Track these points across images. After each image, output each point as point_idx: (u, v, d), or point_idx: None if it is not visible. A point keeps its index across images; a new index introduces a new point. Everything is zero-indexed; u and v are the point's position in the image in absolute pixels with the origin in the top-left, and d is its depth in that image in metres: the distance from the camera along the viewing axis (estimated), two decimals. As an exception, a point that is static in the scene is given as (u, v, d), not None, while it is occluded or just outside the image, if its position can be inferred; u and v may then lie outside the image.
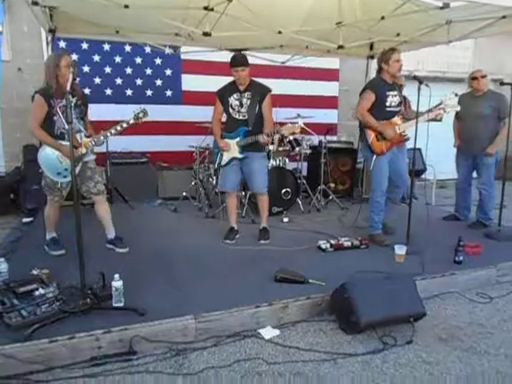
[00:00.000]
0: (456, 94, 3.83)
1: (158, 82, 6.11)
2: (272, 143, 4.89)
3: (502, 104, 4.11)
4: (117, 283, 2.50)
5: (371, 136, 3.63)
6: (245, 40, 4.84)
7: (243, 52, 4.34)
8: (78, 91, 3.21)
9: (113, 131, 3.19)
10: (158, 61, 6.04)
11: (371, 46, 5.71)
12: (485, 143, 4.19)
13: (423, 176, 5.70)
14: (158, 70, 6.09)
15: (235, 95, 3.64)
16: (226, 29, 4.03)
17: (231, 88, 3.67)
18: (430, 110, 3.55)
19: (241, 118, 3.63)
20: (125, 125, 3.19)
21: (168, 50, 5.27)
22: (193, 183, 5.25)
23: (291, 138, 5.03)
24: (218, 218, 4.55)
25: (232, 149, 3.69)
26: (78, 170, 3.14)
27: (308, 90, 6.65)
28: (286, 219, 4.60)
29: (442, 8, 3.12)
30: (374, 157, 3.64)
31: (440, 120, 3.67)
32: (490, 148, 4.17)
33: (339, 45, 4.43)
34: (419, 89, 3.22)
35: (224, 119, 3.79)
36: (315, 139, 5.53)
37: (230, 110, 3.67)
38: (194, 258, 3.36)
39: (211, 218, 4.65)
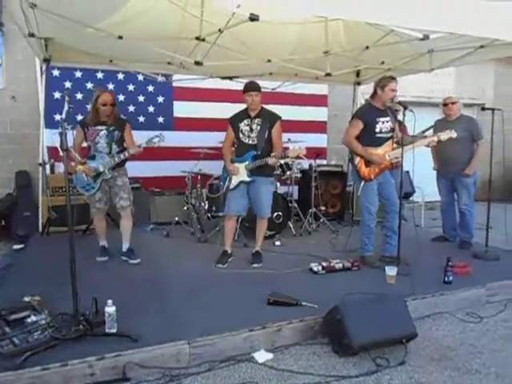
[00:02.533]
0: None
1: (151, 109, 6.22)
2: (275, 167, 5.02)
3: (474, 127, 4.31)
4: (110, 309, 2.50)
5: (359, 162, 3.73)
6: (235, 68, 5.00)
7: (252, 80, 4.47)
8: (113, 119, 3.80)
9: (122, 156, 3.73)
10: (151, 88, 6.17)
11: (357, 73, 5.94)
12: (462, 165, 4.33)
13: (412, 198, 5.82)
14: (150, 97, 6.21)
15: (246, 121, 3.78)
16: (216, 58, 4.17)
17: (242, 114, 3.81)
18: (424, 136, 3.69)
19: (250, 142, 3.74)
20: (135, 150, 3.71)
21: (160, 78, 5.40)
22: (185, 208, 5.28)
23: (282, 162, 5.13)
24: (211, 243, 4.57)
25: (241, 172, 3.78)
26: (97, 186, 3.78)
27: (298, 115, 6.79)
28: (278, 242, 4.64)
29: (422, 39, 3.29)
30: (362, 182, 3.73)
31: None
32: (468, 169, 4.31)
33: (327, 72, 4.60)
34: (404, 114, 3.36)
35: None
36: (305, 163, 5.64)
37: (240, 135, 3.79)
38: (187, 282, 3.37)
39: (203, 242, 4.66)
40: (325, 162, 6.79)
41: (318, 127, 7.08)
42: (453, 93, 7.57)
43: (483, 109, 4.11)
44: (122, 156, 3.73)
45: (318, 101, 7.02)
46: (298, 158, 4.95)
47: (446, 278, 3.31)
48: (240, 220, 4.70)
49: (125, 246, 3.98)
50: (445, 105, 4.42)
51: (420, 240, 4.23)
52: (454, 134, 3.67)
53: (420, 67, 4.74)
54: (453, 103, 4.39)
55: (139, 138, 3.85)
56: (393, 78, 3.63)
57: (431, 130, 4.42)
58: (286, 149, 3.62)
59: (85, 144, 3.85)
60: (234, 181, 3.81)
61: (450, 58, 4.43)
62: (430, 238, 4.80)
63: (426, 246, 4.43)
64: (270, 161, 3.60)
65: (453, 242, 4.61)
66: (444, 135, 3.68)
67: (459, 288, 3.24)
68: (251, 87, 3.69)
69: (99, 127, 3.79)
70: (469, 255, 4.09)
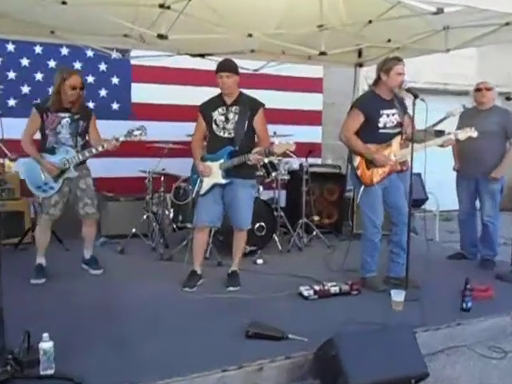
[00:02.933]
0: (464, 106, 4.07)
1: (103, 93, 6.17)
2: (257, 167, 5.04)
3: (509, 121, 4.39)
4: (46, 345, 2.47)
5: (359, 162, 3.78)
6: (208, 43, 5.00)
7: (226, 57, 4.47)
8: (79, 106, 3.86)
9: (93, 150, 3.83)
10: (103, 67, 6.13)
11: (359, 53, 6.01)
12: (489, 166, 4.41)
13: (424, 206, 5.93)
14: (102, 78, 6.16)
15: (220, 109, 3.78)
16: (185, 30, 4.16)
17: (216, 101, 3.82)
18: (440, 133, 3.79)
19: (226, 135, 3.76)
20: (111, 144, 3.83)
21: (115, 55, 5.37)
22: (144, 217, 5.25)
23: (266, 160, 5.16)
24: (176, 261, 4.55)
25: (214, 173, 3.78)
26: (58, 187, 3.82)
27: (286, 102, 6.85)
28: (260, 261, 4.66)
29: (435, 13, 3.36)
30: (362, 187, 3.78)
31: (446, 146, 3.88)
32: (495, 172, 4.39)
33: (321, 51, 4.63)
34: (414, 104, 3.42)
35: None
36: (295, 162, 5.68)
37: (214, 127, 3.79)
38: (146, 310, 3.35)
39: (167, 260, 4.65)
40: (319, 161, 6.85)
41: (311, 118, 7.16)
42: (474, 79, 7.73)
43: (508, 98, 4.22)
44: (93, 150, 3.82)
45: (311, 85, 7.10)
46: (285, 155, 5.03)
47: (464, 305, 3.38)
48: (213, 232, 4.70)
49: (88, 254, 4.21)
50: (478, 90, 4.52)
51: (433, 258, 4.31)
52: (474, 133, 3.76)
53: (434, 47, 4.83)
54: (487, 89, 4.47)
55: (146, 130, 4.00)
56: (399, 60, 3.70)
57: (451, 126, 4.49)
58: (271, 144, 3.65)
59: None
60: (206, 184, 3.81)
61: (469, 37, 4.53)
62: (446, 255, 4.89)
63: (440, 265, 4.51)
64: (251, 158, 3.61)
65: (472, 259, 4.71)
66: (462, 134, 3.77)
67: (479, 316, 3.31)
68: (223, 67, 3.72)
69: (61, 114, 3.82)
70: (491, 276, 4.18)
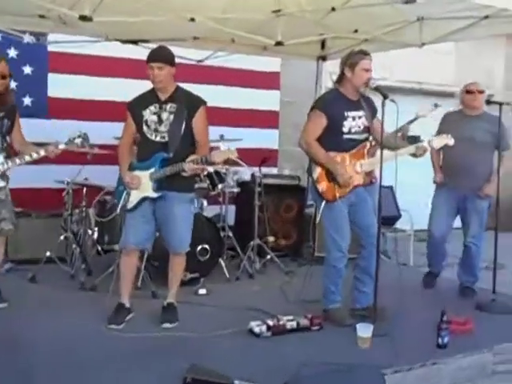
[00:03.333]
0: (436, 105, 4.20)
1: (11, 85, 5.98)
2: (199, 177, 4.98)
3: (502, 130, 4.53)
4: None
5: (319, 174, 3.81)
6: (143, 28, 4.98)
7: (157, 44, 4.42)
8: (3, 99, 3.85)
9: (27, 157, 3.83)
10: (13, 53, 5.97)
11: (322, 44, 6.16)
12: (479, 180, 4.57)
13: (396, 225, 6.06)
14: (10, 67, 5.95)
15: (153, 107, 3.72)
16: (114, 12, 4.15)
17: (148, 98, 3.76)
18: (414, 139, 3.88)
19: (158, 139, 3.70)
20: (50, 150, 3.82)
21: (28, 38, 5.25)
22: (62, 238, 5.12)
23: (211, 170, 5.14)
24: (100, 291, 4.44)
25: (143, 185, 3.70)
26: None
27: (236, 100, 6.92)
28: (202, 290, 4.62)
29: (406, 2, 3.48)
30: (323, 203, 3.81)
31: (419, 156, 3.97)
32: (489, 187, 4.56)
33: (277, 40, 4.71)
34: (383, 105, 3.49)
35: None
36: (246, 172, 5.70)
37: (145, 129, 3.73)
38: (61, 351, 3.25)
39: (90, 290, 4.54)
40: (275, 170, 6.93)
41: (266, 119, 7.24)
42: (452, 78, 8.06)
43: (488, 102, 4.40)
44: (26, 158, 3.82)
45: (266, 81, 7.19)
46: (234, 163, 5.03)
47: (440, 340, 3.44)
48: (146, 256, 4.63)
49: None
50: (469, 92, 4.63)
51: (407, 285, 4.38)
52: (450, 141, 3.88)
53: (407, 40, 5.01)
54: (480, 92, 4.62)
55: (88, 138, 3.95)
56: (365, 54, 3.78)
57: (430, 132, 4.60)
58: (211, 150, 3.63)
59: None
60: (134, 197, 3.74)
61: (446, 31, 4.73)
62: (421, 281, 5.01)
63: (414, 294, 4.61)
64: (186, 168, 3.56)
65: (438, 273, 4.95)
66: (437, 141, 3.88)
67: (458, 353, 3.36)
68: (153, 56, 3.66)
69: None
70: (471, 306, 4.31)
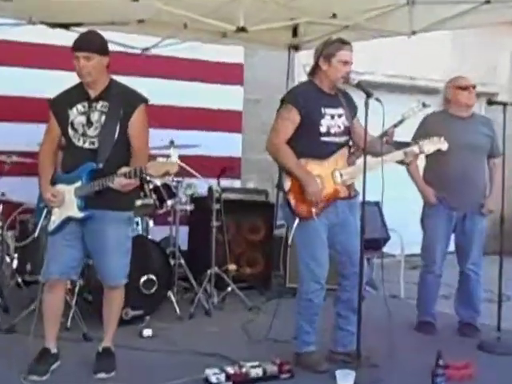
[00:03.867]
0: (424, 105, 4.31)
1: None
2: (143, 191, 5.02)
3: (495, 133, 4.75)
4: None
5: (291, 185, 3.85)
6: (75, 9, 5.01)
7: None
8: None
9: None
10: None
11: (294, 31, 6.24)
12: (481, 194, 4.76)
13: (384, 249, 6.13)
14: None
15: (80, 106, 3.68)
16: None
17: (75, 94, 3.72)
18: (402, 145, 3.95)
19: (87, 146, 3.66)
20: None
21: None
22: (-31, 266, 5.07)
23: (158, 182, 5.16)
24: (20, 333, 4.40)
25: (67, 202, 3.65)
26: None
27: (189, 98, 6.97)
28: (147, 331, 4.62)
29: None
30: (296, 221, 3.86)
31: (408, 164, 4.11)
32: (492, 202, 4.75)
33: (240, 26, 4.79)
34: (366, 105, 3.57)
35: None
36: (202, 185, 5.73)
37: (70, 132, 3.68)
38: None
39: (7, 332, 4.50)
40: (237, 183, 6.98)
41: (226, 121, 7.30)
42: (449, 74, 8.20)
43: (490, 102, 4.55)
44: None
45: (227, 75, 7.26)
46: (187, 174, 5.07)
47: (436, 388, 3.52)
48: (78, 289, 4.61)
49: None
50: (462, 88, 4.73)
51: (397, 322, 4.46)
52: (444, 145, 3.99)
53: (395, 28, 5.14)
54: (474, 87, 4.76)
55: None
56: (344, 43, 3.86)
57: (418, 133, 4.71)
58: (151, 159, 3.53)
59: None
60: (56, 217, 3.69)
61: (441, 17, 4.88)
62: (413, 315, 5.06)
63: (406, 332, 4.71)
64: (115, 182, 3.46)
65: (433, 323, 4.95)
66: (429, 145, 3.94)
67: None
68: (79, 43, 3.64)
69: None
70: (472, 346, 4.41)
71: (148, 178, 3.54)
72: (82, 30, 5.28)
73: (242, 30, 4.77)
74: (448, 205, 4.75)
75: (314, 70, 3.92)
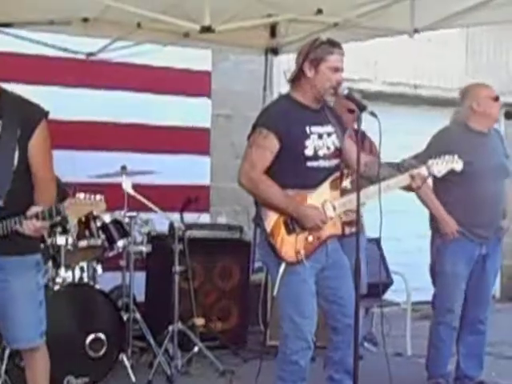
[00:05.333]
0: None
1: None
2: (88, 229, 4.95)
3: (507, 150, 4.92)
4: None
5: (274, 223, 3.83)
6: (3, 4, 4.96)
7: None
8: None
9: None
10: None
11: (273, 31, 6.28)
12: (499, 220, 4.89)
13: (386, 296, 6.14)
14: None
15: None
16: None
17: None
18: (404, 167, 3.97)
19: None
20: None
21: None
22: None
23: (107, 219, 5.12)
24: None
25: None
26: None
27: (145, 113, 6.94)
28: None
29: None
30: (283, 267, 3.83)
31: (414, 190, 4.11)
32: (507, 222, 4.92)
33: (205, 25, 4.80)
34: (359, 120, 3.58)
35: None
36: (162, 221, 5.73)
37: None
38: None
39: None
40: (206, 218, 6.96)
41: (191, 141, 7.28)
42: (460, 80, 8.31)
43: (509, 116, 4.63)
44: None
45: (190, 85, 7.27)
46: (145, 208, 5.05)
47: None
48: (8, 353, 4.53)
49: None
50: (495, 99, 4.85)
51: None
52: (459, 165, 4.01)
53: (394, 25, 5.18)
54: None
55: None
56: (334, 45, 3.86)
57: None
58: (70, 196, 3.48)
59: None
60: None
61: (448, 12, 4.93)
62: (422, 380, 5.06)
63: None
64: (25, 226, 3.37)
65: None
66: (440, 166, 3.95)
67: None
68: None
69: None
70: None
71: (95, 213, 3.43)
72: (14, 31, 5.31)
73: (208, 29, 4.75)
74: (471, 238, 4.81)
75: (297, 77, 3.91)
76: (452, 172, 4.07)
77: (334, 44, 3.86)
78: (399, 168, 3.94)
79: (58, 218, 3.42)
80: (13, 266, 3.57)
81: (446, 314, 4.87)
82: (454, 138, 4.76)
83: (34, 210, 3.37)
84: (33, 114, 3.57)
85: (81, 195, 3.36)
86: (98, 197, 3.38)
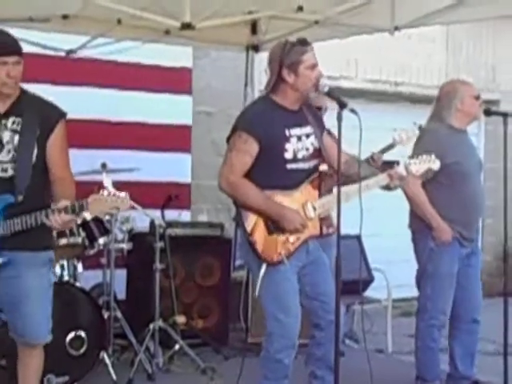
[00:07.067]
0: (420, 127, 4.35)
1: None
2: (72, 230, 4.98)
3: None
4: None
5: (254, 223, 3.84)
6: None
7: None
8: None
9: None
10: None
11: (253, 28, 6.30)
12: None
13: (366, 293, 6.16)
14: None
15: None
16: None
17: None
18: (388, 164, 4.02)
19: None
20: None
21: None
22: None
23: (88, 217, 5.09)
24: None
25: None
26: None
27: (125, 110, 6.93)
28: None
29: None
30: (264, 267, 3.84)
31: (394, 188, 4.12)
32: None
33: (185, 22, 4.79)
34: (339, 118, 3.53)
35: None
36: (142, 219, 5.74)
37: None
38: None
39: None
40: (187, 215, 6.98)
41: (172, 138, 7.28)
42: (441, 78, 8.35)
43: (489, 112, 4.68)
44: None
45: (171, 82, 7.26)
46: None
47: None
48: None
49: None
50: (477, 98, 4.86)
51: (383, 382, 4.47)
52: (435, 164, 4.02)
53: (374, 22, 5.19)
54: None
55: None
56: (305, 44, 3.85)
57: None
58: (100, 190, 3.46)
59: None
60: None
61: (428, 10, 4.96)
62: (406, 377, 5.11)
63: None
64: (53, 221, 3.40)
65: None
66: (418, 165, 3.98)
67: None
68: (7, 46, 3.59)
69: None
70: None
71: (120, 209, 3.44)
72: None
73: (189, 26, 4.74)
74: (462, 241, 4.84)
75: (276, 82, 3.88)
76: (442, 172, 4.20)
77: (303, 42, 3.87)
78: (368, 161, 3.96)
79: (82, 214, 3.43)
80: (26, 262, 3.63)
81: (439, 316, 4.89)
82: (442, 141, 4.69)
83: (63, 203, 3.42)
84: (52, 115, 3.70)
85: (105, 192, 3.40)
86: (123, 194, 3.42)
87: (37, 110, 3.68)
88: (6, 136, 3.61)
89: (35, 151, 3.63)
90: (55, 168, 3.70)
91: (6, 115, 3.63)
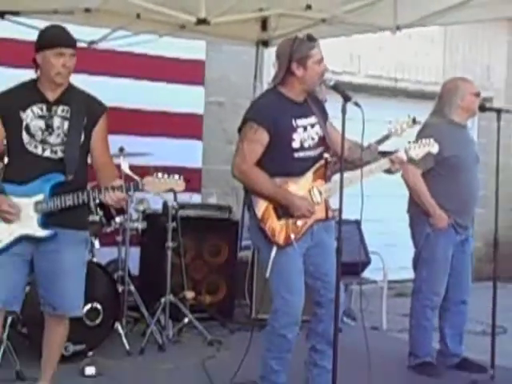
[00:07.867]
0: (414, 121, 4.37)
1: None
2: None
3: None
4: None
5: (265, 209, 3.88)
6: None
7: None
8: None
9: None
10: None
11: (264, 24, 6.32)
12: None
13: (364, 275, 6.18)
14: None
15: (36, 108, 3.65)
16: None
17: (29, 94, 3.69)
18: (385, 154, 4.02)
19: (47, 155, 3.65)
20: None
21: None
22: None
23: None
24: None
25: (24, 217, 3.59)
26: None
27: (142, 99, 6.96)
28: (91, 369, 4.60)
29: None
30: (274, 250, 3.87)
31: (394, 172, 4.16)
32: None
33: (200, 17, 4.84)
34: (344, 111, 3.55)
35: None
36: (156, 200, 5.78)
37: (25, 138, 3.63)
38: None
39: None
40: (197, 198, 7.04)
41: (185, 126, 7.32)
42: (439, 75, 8.37)
43: (483, 108, 4.74)
44: None
45: (185, 73, 7.28)
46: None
47: None
48: (10, 321, 4.55)
49: None
50: (477, 95, 4.95)
51: (378, 357, 4.50)
52: (434, 148, 4.11)
53: (378, 22, 5.23)
54: None
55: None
56: (313, 39, 3.87)
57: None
58: (151, 174, 3.51)
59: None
60: (5, 234, 3.60)
61: (428, 11, 5.00)
62: (398, 352, 5.16)
63: (387, 370, 4.76)
64: (108, 197, 3.49)
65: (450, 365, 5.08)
66: (417, 149, 4.04)
67: None
68: (65, 38, 3.67)
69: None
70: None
71: (176, 190, 3.54)
72: (20, 19, 5.28)
73: (204, 21, 4.80)
74: (457, 228, 4.92)
75: (285, 75, 3.90)
76: (441, 164, 4.44)
77: (311, 38, 3.90)
78: (364, 150, 4.00)
79: (136, 188, 3.52)
80: (67, 239, 3.70)
81: (433, 297, 4.96)
82: (443, 135, 4.65)
83: (117, 182, 3.56)
84: (97, 108, 3.84)
85: (159, 174, 3.49)
86: (177, 176, 3.51)
87: (83, 102, 3.77)
88: (57, 122, 3.70)
89: (82, 138, 3.73)
90: (99, 154, 3.83)
91: (57, 103, 3.72)
